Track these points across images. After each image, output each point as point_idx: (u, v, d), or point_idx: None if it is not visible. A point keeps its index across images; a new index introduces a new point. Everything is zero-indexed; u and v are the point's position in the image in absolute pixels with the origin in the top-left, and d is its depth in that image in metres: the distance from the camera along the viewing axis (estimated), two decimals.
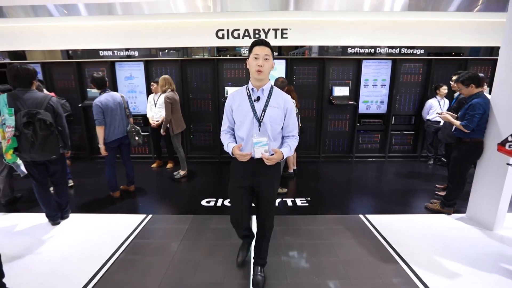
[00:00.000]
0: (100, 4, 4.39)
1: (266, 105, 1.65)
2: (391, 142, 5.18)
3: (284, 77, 4.88)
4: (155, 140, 4.68)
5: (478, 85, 2.60)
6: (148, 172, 4.51)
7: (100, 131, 3.18)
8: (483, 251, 2.27)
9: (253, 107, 1.65)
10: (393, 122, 5.07)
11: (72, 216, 2.94)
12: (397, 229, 2.64)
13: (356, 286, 1.89)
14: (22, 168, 2.55)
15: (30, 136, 2.28)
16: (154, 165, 4.78)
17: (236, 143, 1.73)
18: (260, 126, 1.64)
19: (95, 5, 4.42)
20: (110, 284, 1.92)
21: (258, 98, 1.66)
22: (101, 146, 3.23)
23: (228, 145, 1.71)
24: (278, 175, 1.85)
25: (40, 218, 2.83)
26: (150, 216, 2.93)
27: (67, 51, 4.93)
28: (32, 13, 4.54)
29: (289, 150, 1.70)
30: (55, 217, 2.74)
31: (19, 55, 5.01)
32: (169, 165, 4.71)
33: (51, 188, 2.94)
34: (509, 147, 1.91)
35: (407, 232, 2.59)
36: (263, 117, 1.64)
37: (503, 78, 2.48)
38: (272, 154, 1.63)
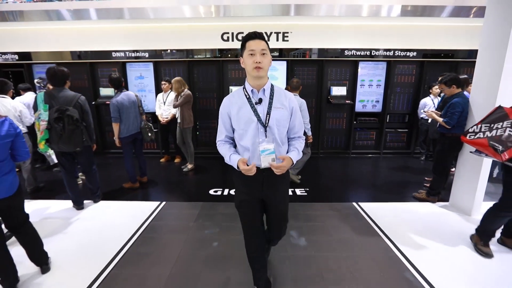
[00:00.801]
0: (109, 9, 4.74)
1: (270, 107, 1.47)
2: (386, 139, 5.48)
3: (286, 77, 5.21)
4: (164, 136, 5.00)
5: (458, 86, 2.91)
6: (157, 166, 4.83)
7: (116, 127, 3.50)
8: (459, 231, 2.58)
9: (255, 111, 1.46)
10: (387, 120, 5.37)
11: (93, 203, 3.27)
12: (386, 214, 2.95)
13: (347, 259, 2.20)
14: (53, 157, 2.88)
15: (59, 130, 2.61)
16: (162, 160, 5.10)
17: (239, 153, 1.55)
18: (266, 131, 1.46)
19: (104, 10, 4.77)
20: (135, 255, 2.24)
21: (260, 100, 1.47)
22: (116, 139, 3.55)
23: (231, 157, 1.50)
24: (288, 183, 1.71)
25: (65, 204, 3.15)
26: (164, 203, 3.25)
27: (80, 52, 5.25)
28: (47, 17, 4.87)
29: (297, 154, 1.55)
30: (80, 202, 3.07)
31: (28, 55, 5.33)
32: (177, 160, 5.03)
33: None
34: (469, 137, 2.22)
35: (394, 217, 2.90)
36: (268, 121, 1.45)
37: (479, 79, 2.78)
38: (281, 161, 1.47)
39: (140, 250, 2.32)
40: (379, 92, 5.34)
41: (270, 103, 1.48)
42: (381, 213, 2.98)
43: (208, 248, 2.35)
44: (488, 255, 2.19)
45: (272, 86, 1.53)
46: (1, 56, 5.28)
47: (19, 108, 3.37)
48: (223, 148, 1.56)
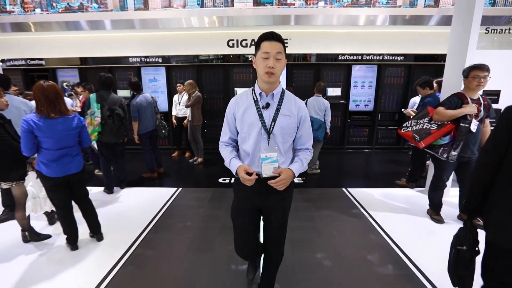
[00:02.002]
0: (122, 20, 5.34)
1: (276, 113, 1.39)
2: (378, 136, 6.00)
3: (286, 80, 5.74)
4: (177, 134, 5.53)
5: (431, 88, 3.42)
6: (170, 160, 5.38)
7: (135, 125, 4.05)
8: (426, 209, 3.10)
9: (261, 115, 1.39)
10: (379, 118, 5.88)
11: (120, 189, 3.82)
12: (369, 197, 3.48)
13: (333, 228, 2.73)
14: (95, 146, 3.51)
15: (111, 124, 3.18)
16: (174, 154, 5.65)
17: (240, 158, 1.48)
18: (270, 138, 1.38)
19: (118, 21, 5.37)
20: (163, 226, 2.79)
21: (268, 105, 1.40)
22: (135, 136, 4.10)
23: (231, 161, 1.43)
24: (291, 194, 1.56)
25: (97, 190, 3.71)
26: (180, 189, 3.79)
27: (100, 57, 5.82)
28: (69, 27, 5.46)
29: (300, 165, 1.44)
30: (111, 187, 3.62)
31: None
32: (187, 154, 5.57)
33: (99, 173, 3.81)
34: (403, 130, 2.75)
35: (376, 199, 3.42)
36: (273, 127, 1.38)
37: (448, 80, 3.28)
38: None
39: (166, 221, 2.87)
40: (370, 93, 5.85)
41: (278, 109, 1.40)
42: (365, 196, 3.51)
43: (220, 220, 2.89)
44: (439, 221, 2.78)
45: (283, 91, 1.45)
46: (28, 61, 5.86)
47: None
48: (224, 151, 1.50)
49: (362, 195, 3.54)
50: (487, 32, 4.53)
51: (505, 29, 4.48)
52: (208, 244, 2.48)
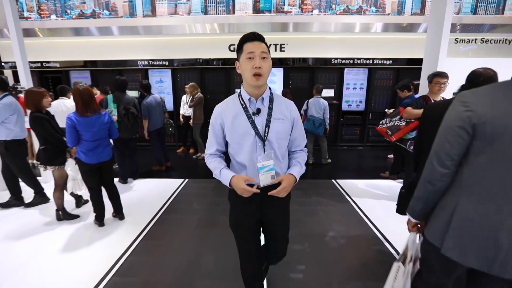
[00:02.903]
0: (127, 26, 5.79)
1: (269, 118, 1.30)
2: (368, 134, 6.44)
3: (283, 82, 6.18)
4: (183, 131, 5.96)
5: (409, 90, 3.87)
6: (176, 155, 5.82)
7: (145, 123, 4.49)
8: None
9: (252, 122, 1.29)
10: (370, 118, 6.32)
11: (133, 180, 4.26)
12: (356, 187, 3.92)
13: (321, 211, 3.17)
14: (111, 141, 3.94)
15: (126, 122, 3.62)
16: (179, 150, 6.09)
17: (235, 172, 1.36)
18: (265, 146, 1.29)
19: (124, 27, 5.83)
20: (174, 209, 3.23)
21: (259, 111, 1.30)
22: (146, 133, 4.54)
23: (222, 172, 1.32)
24: (289, 202, 1.55)
25: None
26: (186, 180, 4.24)
27: (111, 61, 6.26)
28: (81, 32, 5.90)
29: (300, 168, 1.39)
30: (125, 178, 4.07)
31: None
32: (191, 150, 6.02)
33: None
34: (379, 126, 3.19)
35: (361, 188, 3.87)
36: (267, 134, 1.29)
37: (423, 83, 3.71)
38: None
39: (176, 205, 3.32)
40: (362, 94, 6.30)
41: (270, 114, 1.30)
42: (352, 186, 3.95)
43: (223, 205, 3.32)
44: None
45: (271, 94, 1.36)
46: (43, 64, 6.30)
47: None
48: (212, 162, 1.37)
49: (349, 185, 3.98)
50: (456, 42, 4.98)
51: (472, 39, 4.93)
52: (213, 222, 2.93)
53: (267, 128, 1.29)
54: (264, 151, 1.29)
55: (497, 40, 5.38)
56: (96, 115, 2.45)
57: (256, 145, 1.30)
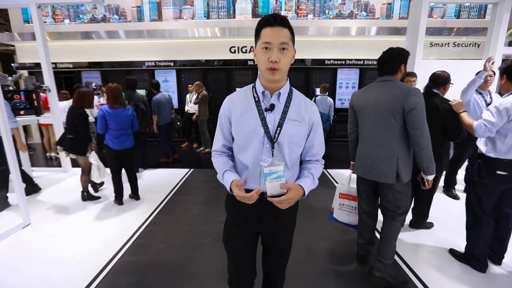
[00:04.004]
0: (132, 31, 6.25)
1: (283, 118, 1.12)
2: None
3: None
4: (188, 127, 6.42)
5: None
6: (180, 150, 6.28)
7: (155, 118, 4.95)
8: None
9: (263, 119, 1.12)
10: None
11: (143, 170, 4.73)
12: (343, 175, 4.37)
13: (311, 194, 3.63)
14: None
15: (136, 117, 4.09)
16: (183, 145, 6.55)
17: (237, 171, 1.20)
18: (274, 148, 1.12)
19: (134, 30, 6.29)
20: (182, 192, 3.70)
21: (272, 107, 1.12)
22: (155, 127, 5.01)
23: (225, 175, 1.15)
24: (295, 216, 1.33)
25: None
26: (191, 170, 4.70)
27: (121, 62, 6.73)
28: (92, 36, 6.37)
29: (312, 182, 1.18)
30: (136, 168, 4.52)
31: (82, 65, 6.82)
32: (195, 145, 6.48)
33: None
34: None
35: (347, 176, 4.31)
36: (278, 135, 1.11)
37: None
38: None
39: (184, 189, 3.79)
40: None
41: (285, 112, 1.13)
42: (340, 174, 4.41)
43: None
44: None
45: (291, 90, 1.19)
46: (58, 64, 6.78)
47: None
48: (217, 162, 1.22)
49: (338, 174, 4.44)
50: (431, 45, 5.42)
51: (445, 43, 5.37)
52: (217, 201, 3.39)
53: (279, 128, 1.11)
54: (272, 154, 1.11)
55: (468, 44, 5.84)
56: (122, 108, 2.93)
57: (263, 146, 1.12)
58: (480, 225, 2.03)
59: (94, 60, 6.75)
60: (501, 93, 2.23)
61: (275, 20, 1.02)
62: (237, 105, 1.17)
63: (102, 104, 4.17)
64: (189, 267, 2.18)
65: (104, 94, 5.58)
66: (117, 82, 6.77)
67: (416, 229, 2.73)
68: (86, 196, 3.32)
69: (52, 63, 6.83)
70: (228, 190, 1.15)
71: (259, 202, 1.09)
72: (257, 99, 1.15)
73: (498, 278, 2.04)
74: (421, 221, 2.70)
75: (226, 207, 1.31)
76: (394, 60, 1.82)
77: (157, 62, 6.68)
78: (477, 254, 2.07)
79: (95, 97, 5.55)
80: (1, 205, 3.10)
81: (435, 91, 2.46)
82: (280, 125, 1.12)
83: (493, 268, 2.13)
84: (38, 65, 4.66)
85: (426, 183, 1.84)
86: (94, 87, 6.13)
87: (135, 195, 3.37)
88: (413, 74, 3.14)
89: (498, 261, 2.14)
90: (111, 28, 6.43)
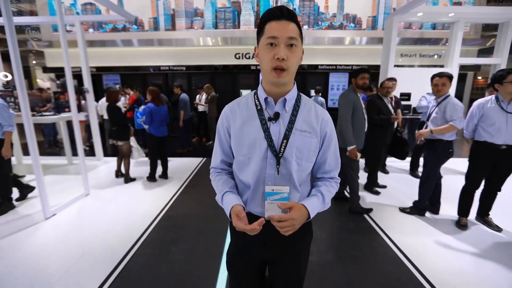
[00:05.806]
0: (142, 39, 7.13)
1: (289, 128, 0.94)
2: None
3: None
4: (198, 123, 7.29)
5: (371, 91, 5.21)
6: (192, 143, 7.17)
7: (182, 113, 5.83)
8: None
9: (266, 130, 0.94)
10: None
11: None
12: None
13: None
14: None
15: None
16: (194, 140, 7.42)
17: (238, 191, 1.03)
18: (279, 165, 0.94)
19: (148, 39, 7.16)
20: (200, 174, 4.58)
21: (277, 116, 0.94)
22: (181, 122, 5.88)
23: (224, 198, 0.98)
24: (308, 246, 1.12)
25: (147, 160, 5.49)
26: (205, 158, 5.58)
27: (138, 66, 7.60)
28: (112, 42, 7.23)
29: (320, 202, 0.97)
30: None
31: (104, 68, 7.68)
32: (204, 139, 7.36)
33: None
34: None
35: None
36: (284, 149, 0.93)
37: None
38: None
39: (202, 171, 4.67)
40: None
41: (292, 122, 0.94)
42: None
43: None
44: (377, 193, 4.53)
45: (298, 96, 1.00)
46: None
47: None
48: (215, 181, 1.07)
49: None
50: (401, 55, 6.36)
51: (413, 54, 6.32)
52: None
53: (285, 141, 0.93)
54: (278, 171, 0.94)
55: (432, 54, 6.79)
56: (161, 106, 3.86)
57: (267, 162, 0.94)
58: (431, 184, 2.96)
59: (114, 64, 7.61)
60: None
61: (282, 12, 0.85)
62: (237, 115, 1.00)
63: (125, 106, 5.07)
64: (213, 227, 2.90)
65: (127, 95, 6.48)
66: (134, 84, 7.67)
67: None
68: (129, 179, 4.17)
69: (78, 67, 7.75)
70: (228, 216, 0.95)
71: (265, 228, 0.89)
72: (259, 107, 0.97)
73: (434, 220, 2.94)
74: (369, 185, 3.78)
75: (230, 229, 1.12)
76: (350, 76, 3.00)
77: (170, 67, 7.56)
78: (420, 206, 2.98)
79: (121, 98, 6.44)
80: (5, 207, 3.11)
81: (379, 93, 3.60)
82: (286, 137, 0.93)
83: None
84: (61, 69, 5.52)
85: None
86: (118, 89, 7.03)
87: (164, 175, 4.24)
88: (393, 79, 4.05)
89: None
90: (130, 36, 7.30)
